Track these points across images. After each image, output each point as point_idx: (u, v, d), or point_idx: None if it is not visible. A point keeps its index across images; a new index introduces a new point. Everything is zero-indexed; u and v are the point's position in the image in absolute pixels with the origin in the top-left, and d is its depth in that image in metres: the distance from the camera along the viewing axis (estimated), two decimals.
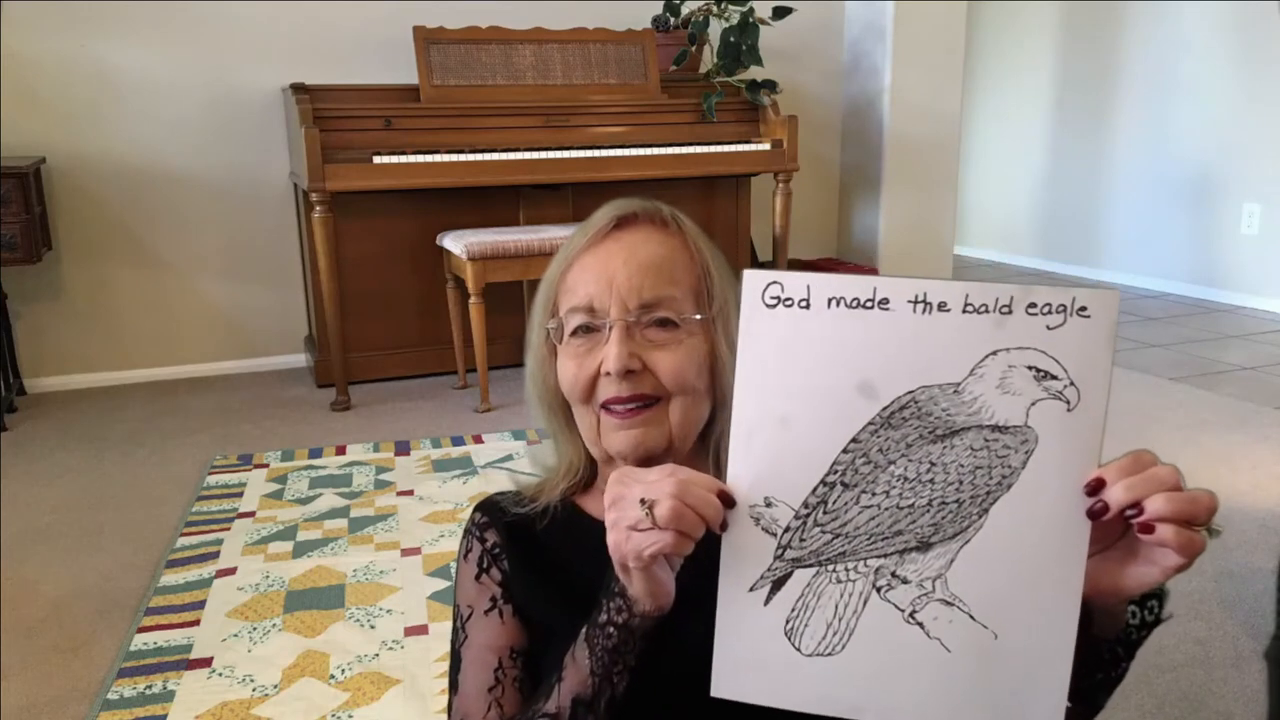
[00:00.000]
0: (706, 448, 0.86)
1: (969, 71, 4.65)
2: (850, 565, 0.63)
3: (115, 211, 3.43)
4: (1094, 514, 0.61)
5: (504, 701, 0.82)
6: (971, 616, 0.62)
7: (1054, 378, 0.60)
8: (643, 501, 0.63)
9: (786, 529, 0.64)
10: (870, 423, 0.62)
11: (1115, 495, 0.60)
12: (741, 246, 3.96)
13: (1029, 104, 5.51)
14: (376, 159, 3.07)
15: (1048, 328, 0.60)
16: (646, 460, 0.83)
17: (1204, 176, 4.58)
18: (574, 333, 0.83)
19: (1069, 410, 0.60)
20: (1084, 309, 0.60)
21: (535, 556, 0.85)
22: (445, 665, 1.67)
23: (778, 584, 0.64)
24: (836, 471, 0.63)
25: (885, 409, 0.62)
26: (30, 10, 3.23)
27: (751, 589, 0.64)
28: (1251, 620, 1.80)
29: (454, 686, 0.85)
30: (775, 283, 0.63)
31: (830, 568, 0.64)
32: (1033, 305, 0.60)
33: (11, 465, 2.73)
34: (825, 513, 0.63)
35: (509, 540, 0.87)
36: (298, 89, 3.17)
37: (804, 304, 0.63)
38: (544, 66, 3.46)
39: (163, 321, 3.56)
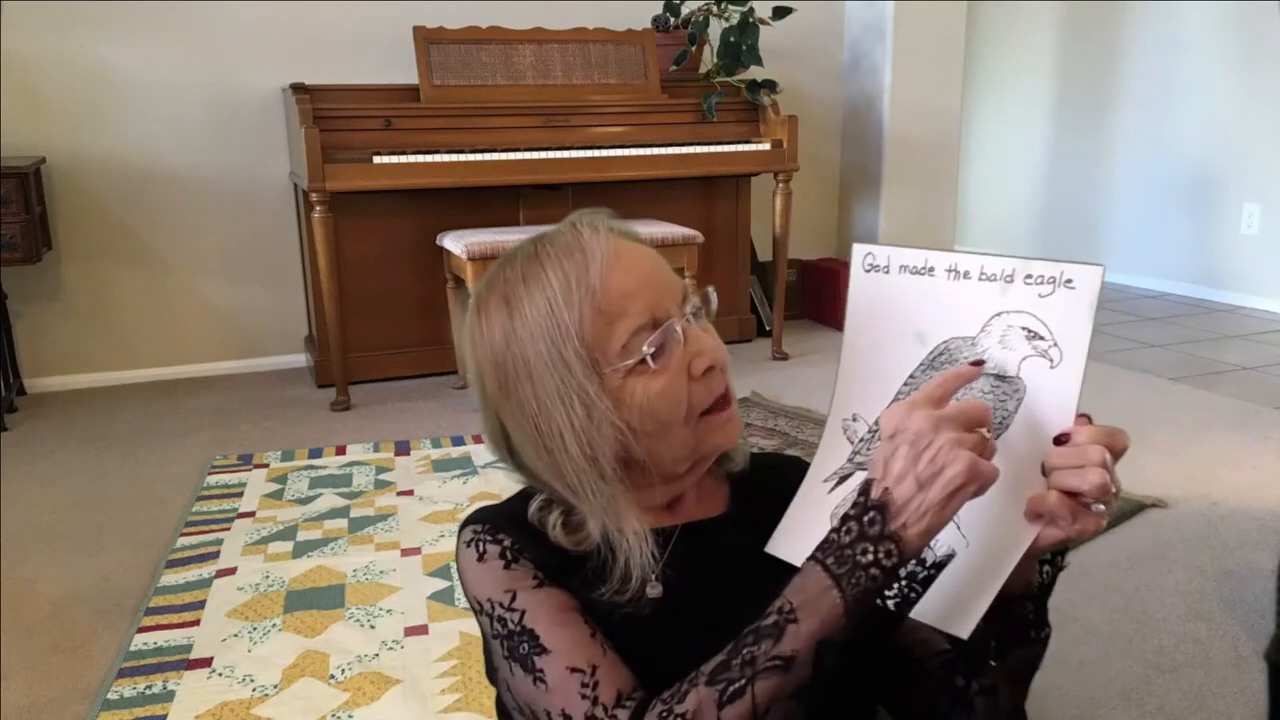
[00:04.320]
0: None
1: (969, 71, 4.65)
2: None
3: (115, 211, 3.43)
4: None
5: (608, 644, 0.75)
6: (957, 525, 0.72)
7: (1041, 338, 0.70)
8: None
9: (861, 439, 0.78)
10: (921, 363, 0.76)
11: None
12: (741, 246, 3.96)
13: (1029, 104, 5.51)
14: (376, 159, 3.07)
15: (1040, 295, 0.70)
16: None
17: (1204, 176, 4.58)
18: (655, 352, 0.77)
19: (1051, 368, 0.70)
20: (1070, 281, 0.69)
21: (553, 563, 0.81)
22: (446, 665, 1.68)
23: (842, 479, 0.78)
24: (897, 400, 0.76)
25: (930, 353, 0.76)
26: (30, 10, 3.23)
27: (825, 480, 0.79)
28: (1251, 620, 1.80)
29: (539, 652, 0.74)
30: (870, 254, 0.79)
31: None
32: (1029, 276, 0.71)
33: (11, 465, 2.73)
34: None
35: (526, 544, 0.81)
36: (298, 89, 3.17)
37: (885, 270, 0.78)
38: (544, 66, 3.46)
39: (163, 321, 3.56)
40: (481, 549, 0.81)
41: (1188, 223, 4.69)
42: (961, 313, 0.74)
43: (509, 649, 0.76)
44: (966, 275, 0.74)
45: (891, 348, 0.77)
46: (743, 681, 0.66)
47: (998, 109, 5.74)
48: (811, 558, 0.68)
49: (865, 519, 0.66)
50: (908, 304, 0.76)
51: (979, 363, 0.71)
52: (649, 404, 0.77)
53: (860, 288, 0.79)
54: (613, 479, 0.78)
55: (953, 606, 0.71)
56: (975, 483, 0.64)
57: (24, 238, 2.99)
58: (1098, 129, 5.09)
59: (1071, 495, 0.67)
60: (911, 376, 0.77)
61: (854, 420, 0.79)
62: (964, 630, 0.70)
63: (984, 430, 0.67)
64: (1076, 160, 5.25)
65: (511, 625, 0.76)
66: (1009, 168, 5.70)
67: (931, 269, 0.75)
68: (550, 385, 0.77)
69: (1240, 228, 4.46)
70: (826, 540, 0.67)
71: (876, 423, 0.77)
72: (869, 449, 0.77)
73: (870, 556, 0.65)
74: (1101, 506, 0.68)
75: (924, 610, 0.72)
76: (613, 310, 0.76)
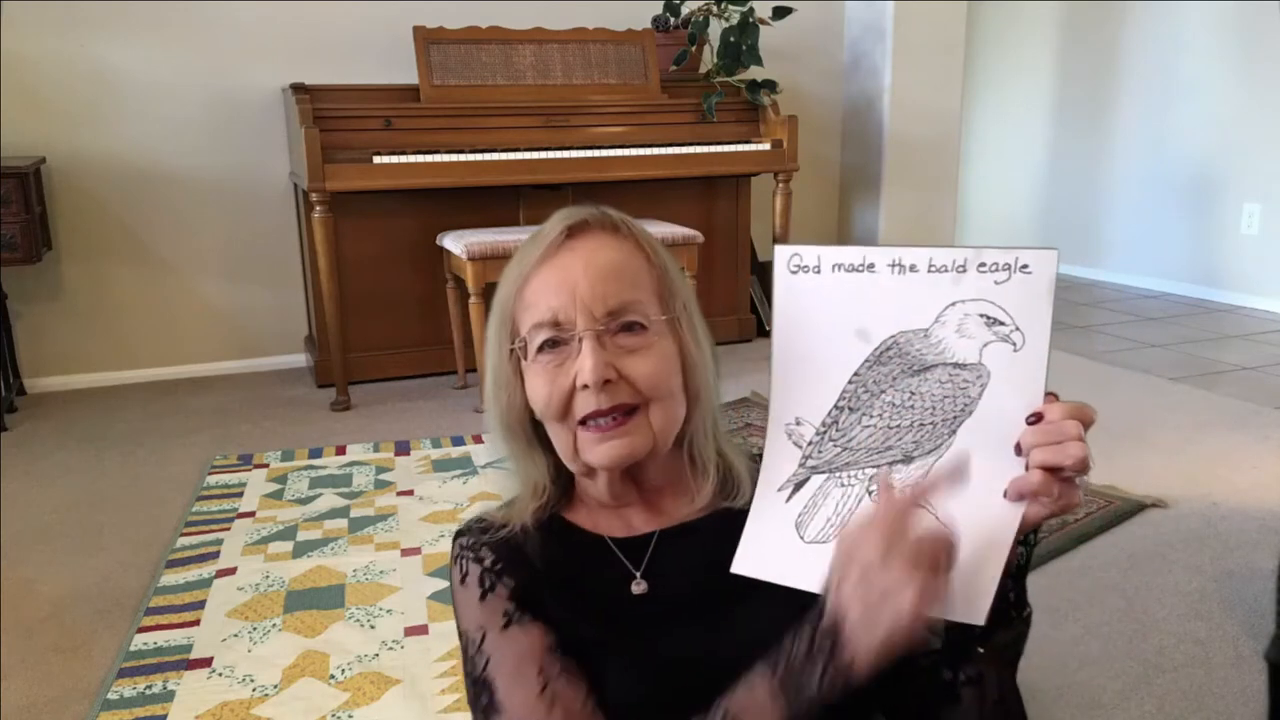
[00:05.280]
0: (681, 446, 0.87)
1: (969, 71, 4.65)
2: (852, 473, 0.77)
3: (115, 211, 3.43)
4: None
5: (560, 694, 0.78)
6: (935, 516, 0.72)
7: (1001, 324, 0.71)
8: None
9: (809, 442, 0.78)
10: (866, 360, 0.76)
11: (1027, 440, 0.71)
12: (741, 246, 3.96)
13: (1029, 104, 5.51)
14: (376, 159, 3.07)
15: (995, 282, 0.71)
16: (629, 469, 0.84)
17: (1204, 176, 4.58)
18: (540, 349, 0.81)
19: (1015, 351, 0.71)
20: (1026, 266, 0.71)
21: (534, 574, 0.84)
22: (446, 665, 1.68)
23: (798, 486, 0.78)
24: (844, 398, 0.77)
25: (875, 349, 0.76)
26: (30, 10, 3.23)
27: (779, 489, 0.78)
28: (1251, 620, 1.80)
29: (493, 710, 0.78)
30: (796, 254, 0.78)
31: (837, 475, 0.77)
32: (983, 264, 0.72)
33: (11, 465, 2.73)
34: (837, 430, 0.77)
35: (506, 558, 0.84)
36: (298, 89, 3.17)
37: (815, 270, 0.77)
38: (544, 66, 3.46)
39: (163, 321, 3.56)
40: (464, 569, 0.84)
41: (1188, 223, 4.69)
42: (910, 306, 0.74)
43: (472, 695, 0.80)
44: (913, 269, 0.74)
45: (830, 348, 0.77)
46: None
47: (998, 109, 5.74)
48: (765, 662, 0.70)
49: (817, 641, 0.67)
50: (845, 302, 0.76)
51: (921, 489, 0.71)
52: (534, 391, 0.83)
53: (787, 290, 0.79)
54: (515, 432, 0.87)
55: (958, 598, 0.71)
56: (926, 613, 0.65)
57: (24, 238, 2.99)
58: (1098, 129, 5.09)
59: (1052, 471, 0.69)
60: (856, 374, 0.77)
61: (798, 424, 0.79)
62: (979, 616, 0.70)
63: (946, 555, 0.67)
64: (1076, 160, 5.25)
65: (477, 671, 0.80)
66: (1009, 168, 5.70)
67: (871, 265, 0.75)
68: (490, 334, 0.87)
69: (1240, 228, 4.46)
70: (780, 649, 0.69)
71: (824, 424, 0.77)
72: (819, 451, 0.78)
73: (815, 685, 0.67)
74: (1084, 479, 0.70)
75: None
76: (527, 299, 0.83)
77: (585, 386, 0.79)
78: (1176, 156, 4.69)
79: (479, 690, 0.79)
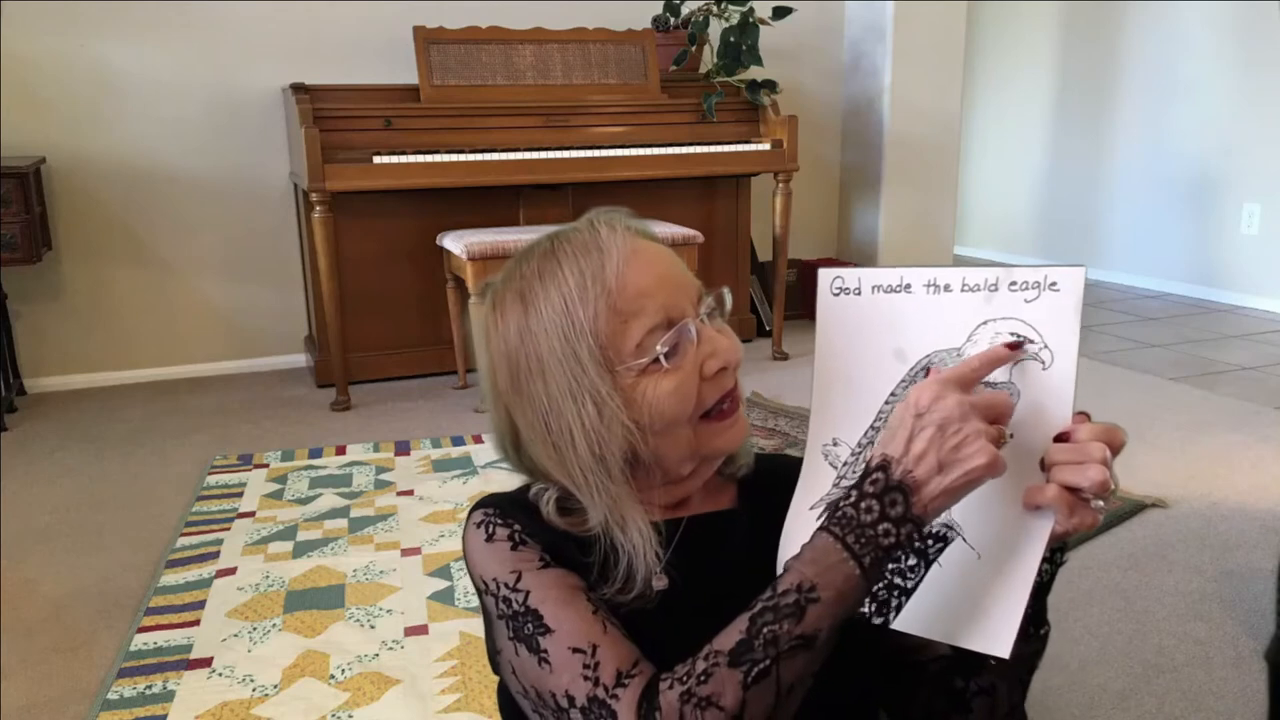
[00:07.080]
0: None
1: (969, 71, 4.65)
2: None
3: (115, 211, 3.43)
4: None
5: (610, 619, 0.74)
6: (964, 539, 0.73)
7: (1031, 342, 0.71)
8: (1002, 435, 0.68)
9: (844, 463, 0.78)
10: (902, 380, 0.76)
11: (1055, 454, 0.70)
12: (741, 246, 3.96)
13: (1029, 104, 5.51)
14: (376, 159, 3.07)
15: (1025, 301, 0.72)
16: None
17: (1204, 176, 4.58)
18: (669, 352, 0.77)
19: (1044, 369, 0.71)
20: (1054, 284, 0.71)
21: (561, 552, 0.80)
22: (446, 665, 1.68)
23: (830, 506, 0.74)
24: (880, 419, 0.77)
25: (911, 369, 0.76)
26: (30, 10, 3.23)
27: (811, 508, 0.78)
28: (1251, 620, 1.80)
29: (544, 632, 0.73)
30: (838, 277, 0.79)
31: None
32: (1013, 283, 0.72)
33: (11, 465, 2.73)
34: (871, 450, 0.74)
35: (532, 529, 0.80)
36: (298, 89, 3.17)
37: (856, 291, 0.78)
38: (544, 66, 3.46)
39: (163, 321, 3.56)
40: (490, 530, 0.80)
41: (1188, 223, 4.69)
42: (944, 325, 0.74)
43: (514, 629, 0.76)
44: (947, 288, 0.74)
45: (869, 368, 0.77)
46: (767, 662, 0.66)
47: (998, 109, 5.74)
48: (828, 531, 0.67)
49: (886, 499, 0.66)
50: (883, 323, 0.77)
51: (1017, 344, 0.71)
52: (659, 403, 0.77)
53: (829, 312, 0.79)
54: (619, 479, 0.78)
55: (987, 626, 0.70)
56: (990, 476, 0.65)
57: (24, 238, 2.99)
58: (1098, 129, 5.09)
59: (1071, 490, 0.68)
60: (893, 394, 0.77)
61: (835, 445, 0.78)
62: (1004, 649, 0.69)
63: (1004, 426, 0.68)
64: (1076, 160, 5.25)
65: (516, 605, 0.76)
66: (1009, 168, 5.71)
67: (908, 285, 0.76)
68: (563, 382, 0.77)
69: (1240, 228, 4.46)
70: (842, 515, 0.67)
71: (860, 445, 0.77)
72: (853, 471, 0.77)
73: (892, 539, 0.65)
74: (1100, 503, 0.69)
75: (956, 632, 0.72)
76: (628, 309, 0.76)
77: (723, 369, 0.79)
78: (1176, 156, 4.70)
79: (522, 621, 0.75)
